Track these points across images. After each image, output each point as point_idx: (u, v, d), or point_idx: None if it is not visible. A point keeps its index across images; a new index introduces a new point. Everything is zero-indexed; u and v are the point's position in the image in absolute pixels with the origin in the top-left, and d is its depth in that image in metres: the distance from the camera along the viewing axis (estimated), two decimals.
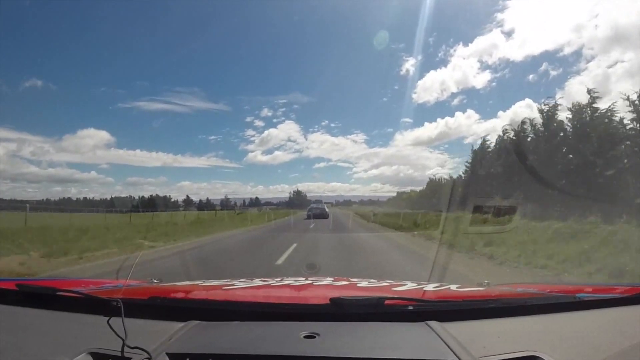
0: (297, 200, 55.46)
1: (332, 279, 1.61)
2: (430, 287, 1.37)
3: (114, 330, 0.74)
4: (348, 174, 66.16)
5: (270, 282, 1.55)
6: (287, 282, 1.54)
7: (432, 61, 53.32)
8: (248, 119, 62.10)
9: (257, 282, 1.54)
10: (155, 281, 1.54)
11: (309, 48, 57.62)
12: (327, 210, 26.54)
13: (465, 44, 55.94)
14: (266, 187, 79.89)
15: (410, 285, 1.38)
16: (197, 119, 56.99)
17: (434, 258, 6.69)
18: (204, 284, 1.54)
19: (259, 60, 55.41)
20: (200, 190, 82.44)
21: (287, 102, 57.45)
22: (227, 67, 55.78)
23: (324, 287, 1.48)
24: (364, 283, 1.52)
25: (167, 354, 0.75)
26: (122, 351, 0.71)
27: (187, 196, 57.83)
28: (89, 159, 61.04)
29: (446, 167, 59.67)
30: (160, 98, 61.33)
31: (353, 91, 61.83)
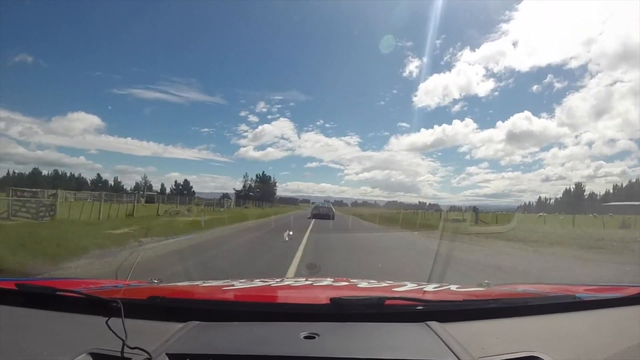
0: (261, 192, 49.05)
1: (332, 279, 1.61)
2: (430, 288, 1.37)
3: (113, 331, 0.74)
4: (339, 176, 66.15)
5: (270, 283, 1.55)
6: (287, 283, 1.54)
7: (437, 64, 53.84)
8: (242, 114, 62.57)
9: (257, 282, 1.54)
10: (155, 281, 1.54)
11: (311, 46, 57.80)
12: (333, 210, 24.14)
13: (473, 49, 56.06)
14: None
15: (410, 286, 1.38)
16: (191, 111, 57.07)
17: None
18: (203, 285, 1.54)
19: (258, 55, 55.74)
20: (189, 183, 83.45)
21: (284, 99, 58.90)
22: (226, 60, 55.95)
23: (324, 287, 1.48)
24: (364, 283, 1.52)
25: (167, 354, 0.75)
26: (122, 352, 0.71)
27: (137, 183, 50.50)
28: (78, 143, 60.41)
29: (437, 175, 60.13)
30: (156, 87, 63.31)
31: (352, 93, 62.40)
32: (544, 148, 58.34)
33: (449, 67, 55.45)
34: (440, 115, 58.04)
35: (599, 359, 0.80)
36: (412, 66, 53.99)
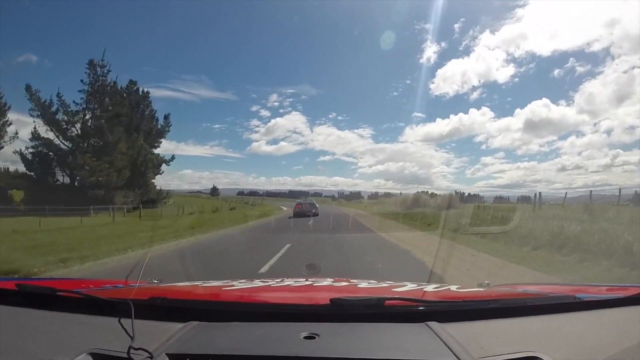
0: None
1: (332, 279, 1.61)
2: (430, 288, 1.37)
3: (125, 330, 0.75)
4: (352, 169, 64.74)
5: (270, 283, 1.55)
6: (287, 283, 1.54)
7: (456, 49, 51.04)
8: (254, 109, 61.86)
9: (257, 282, 1.54)
10: (155, 281, 1.54)
11: (321, 38, 56.62)
12: (317, 206, 22.03)
13: (492, 32, 53.48)
14: (268, 179, 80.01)
15: (410, 286, 1.38)
16: (202, 107, 56.72)
17: None
18: (204, 285, 1.54)
19: (268, 49, 55.04)
20: (201, 179, 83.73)
21: (295, 93, 56.99)
22: (235, 56, 55.51)
23: (324, 287, 1.49)
24: (364, 284, 1.52)
25: (167, 354, 0.75)
26: (129, 352, 0.71)
27: None
28: None
29: (452, 166, 57.39)
30: (167, 85, 63.24)
31: (364, 84, 60.62)
32: (562, 137, 53.36)
33: (467, 52, 52.09)
34: (457, 103, 55.40)
35: (599, 359, 0.80)
36: (430, 51, 51.04)
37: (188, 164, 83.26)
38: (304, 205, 21.25)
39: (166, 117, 32.10)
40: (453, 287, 1.36)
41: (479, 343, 0.83)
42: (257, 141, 60.94)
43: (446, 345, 0.80)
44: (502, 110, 56.59)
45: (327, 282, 1.56)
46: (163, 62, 52.53)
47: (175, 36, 52.01)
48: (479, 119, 51.30)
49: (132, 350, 0.72)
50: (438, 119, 59.51)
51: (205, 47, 53.69)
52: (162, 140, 31.78)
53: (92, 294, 1.05)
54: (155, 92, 53.45)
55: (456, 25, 48.44)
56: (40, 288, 1.10)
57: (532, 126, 53.64)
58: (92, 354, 0.75)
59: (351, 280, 1.62)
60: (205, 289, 1.45)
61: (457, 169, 57.09)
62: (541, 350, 0.79)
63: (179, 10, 46.66)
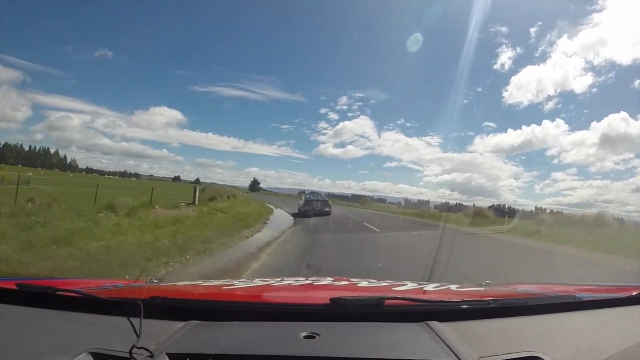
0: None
1: (332, 279, 1.61)
2: (430, 287, 1.37)
3: (134, 329, 0.76)
4: (417, 177, 61.54)
5: (270, 282, 1.55)
6: (287, 282, 1.54)
7: (532, 55, 46.66)
8: (322, 111, 61.13)
9: (257, 282, 1.54)
10: (155, 281, 1.54)
11: (392, 42, 55.07)
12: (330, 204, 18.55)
13: (571, 37, 48.02)
14: (333, 182, 78.33)
15: (410, 285, 1.38)
16: (271, 108, 58.19)
17: None
18: (204, 284, 1.54)
19: (339, 53, 54.38)
20: (267, 178, 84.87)
21: (364, 97, 56.17)
22: (306, 58, 55.64)
23: (324, 287, 1.48)
24: (364, 283, 1.52)
25: (167, 354, 0.75)
26: (131, 352, 0.71)
27: None
28: (161, 136, 65.99)
29: (520, 180, 53.56)
30: (237, 84, 65.47)
31: (435, 90, 57.99)
32: (639, 154, 48.47)
33: (544, 58, 46.82)
34: (530, 113, 50.60)
35: (599, 359, 0.80)
36: (505, 57, 47.20)
37: (255, 162, 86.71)
38: (314, 203, 17.65)
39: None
40: (453, 287, 1.36)
41: (479, 342, 0.83)
42: (324, 143, 61.23)
43: (446, 344, 0.80)
44: (578, 122, 51.26)
45: (327, 281, 1.56)
46: (235, 62, 54.00)
47: (247, 37, 52.80)
48: (553, 131, 47.97)
49: (133, 350, 0.72)
50: (509, 130, 55.19)
51: (276, 48, 54.37)
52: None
53: (93, 293, 1.05)
54: (225, 91, 57.39)
55: (532, 29, 44.94)
56: (40, 287, 1.10)
57: (608, 141, 47.75)
58: (93, 354, 0.76)
59: (351, 280, 1.61)
60: (206, 289, 1.45)
61: (526, 183, 53.99)
62: (541, 350, 0.79)
63: (252, 12, 47.76)
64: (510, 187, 53.27)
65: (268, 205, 23.42)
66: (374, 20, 50.36)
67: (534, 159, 55.67)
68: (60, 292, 1.04)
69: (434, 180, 58.75)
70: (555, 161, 51.94)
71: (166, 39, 51.67)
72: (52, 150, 74.90)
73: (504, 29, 41.94)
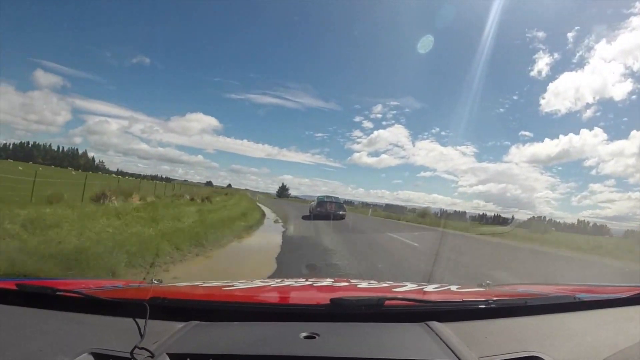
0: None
1: (332, 279, 1.61)
2: (430, 288, 1.37)
3: (139, 330, 0.76)
4: (452, 187, 59.10)
5: (270, 283, 1.55)
6: (287, 283, 1.54)
7: (569, 60, 45.99)
8: (357, 119, 61.15)
9: (257, 282, 1.54)
10: (155, 281, 1.54)
11: (428, 51, 54.44)
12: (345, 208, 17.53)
13: (609, 42, 44.63)
14: (366, 191, 78.18)
15: (410, 286, 1.38)
16: (306, 116, 59.11)
17: None
18: (204, 285, 1.54)
19: (374, 61, 54.55)
20: (300, 186, 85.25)
21: (399, 106, 56.04)
22: (341, 66, 55.58)
23: (324, 287, 1.48)
24: (364, 284, 1.52)
25: (167, 354, 0.75)
26: (132, 352, 0.71)
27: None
28: (196, 142, 67.43)
29: (556, 191, 51.67)
30: (272, 92, 64.56)
31: (471, 99, 56.52)
32: None
33: (582, 64, 45.21)
34: (568, 122, 48.60)
35: (599, 359, 0.80)
36: (542, 63, 46.86)
37: (288, 170, 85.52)
38: (328, 205, 16.79)
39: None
40: (453, 287, 1.36)
41: (479, 343, 0.83)
42: (358, 152, 61.44)
43: (446, 345, 0.80)
44: (617, 131, 48.46)
45: (327, 282, 1.56)
46: (269, 70, 54.62)
47: (282, 45, 53.09)
48: (591, 140, 46.17)
49: (134, 350, 0.72)
50: (546, 139, 53.08)
51: (311, 56, 54.77)
52: None
53: (95, 294, 1.05)
54: (260, 99, 57.07)
55: (570, 34, 43.11)
56: (40, 288, 1.10)
57: None
58: (93, 354, 0.76)
59: (351, 280, 1.62)
60: (206, 289, 1.45)
61: (563, 195, 52.08)
62: (541, 350, 0.79)
63: (287, 21, 47.78)
64: (546, 198, 50.70)
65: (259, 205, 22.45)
66: (409, 29, 49.14)
67: (571, 169, 53.60)
68: (61, 293, 1.04)
69: (468, 190, 57.31)
70: (593, 172, 49.78)
71: (202, 47, 52.91)
72: (88, 153, 77.69)
73: (540, 34, 40.82)
